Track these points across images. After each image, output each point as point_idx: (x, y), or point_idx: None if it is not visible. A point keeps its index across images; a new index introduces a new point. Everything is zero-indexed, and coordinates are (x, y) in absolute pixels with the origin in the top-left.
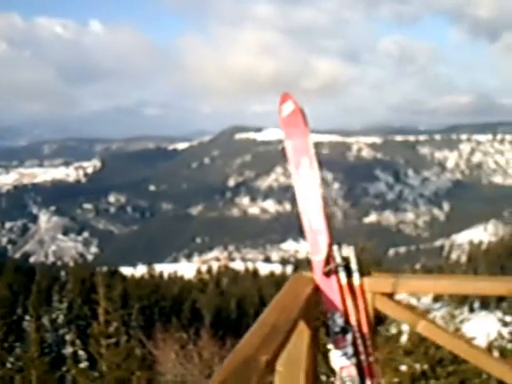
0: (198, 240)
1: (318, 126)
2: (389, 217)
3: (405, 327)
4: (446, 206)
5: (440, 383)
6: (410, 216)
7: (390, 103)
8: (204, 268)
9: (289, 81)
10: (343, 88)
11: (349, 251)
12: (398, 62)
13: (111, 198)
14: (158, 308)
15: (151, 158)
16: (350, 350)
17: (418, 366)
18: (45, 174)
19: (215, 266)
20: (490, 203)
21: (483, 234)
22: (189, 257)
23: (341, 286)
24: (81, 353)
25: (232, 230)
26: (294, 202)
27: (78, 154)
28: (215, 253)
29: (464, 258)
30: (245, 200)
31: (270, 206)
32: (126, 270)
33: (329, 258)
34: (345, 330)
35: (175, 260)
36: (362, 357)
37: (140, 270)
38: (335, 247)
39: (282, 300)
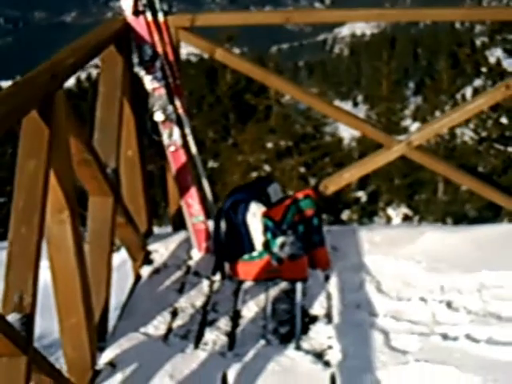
0: None
1: None
2: None
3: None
4: None
5: (304, 158)
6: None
7: None
8: (83, 76)
9: None
10: None
11: None
12: None
13: None
14: None
15: None
16: (159, 75)
17: (282, 143)
18: None
19: (94, 73)
20: None
21: (366, 26)
22: None
23: (148, 23)
24: None
25: None
26: None
27: None
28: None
29: (347, 52)
30: (119, 3)
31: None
32: (4, 84)
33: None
34: (153, 58)
35: None
36: (170, 80)
37: None
38: None
39: (95, 32)
